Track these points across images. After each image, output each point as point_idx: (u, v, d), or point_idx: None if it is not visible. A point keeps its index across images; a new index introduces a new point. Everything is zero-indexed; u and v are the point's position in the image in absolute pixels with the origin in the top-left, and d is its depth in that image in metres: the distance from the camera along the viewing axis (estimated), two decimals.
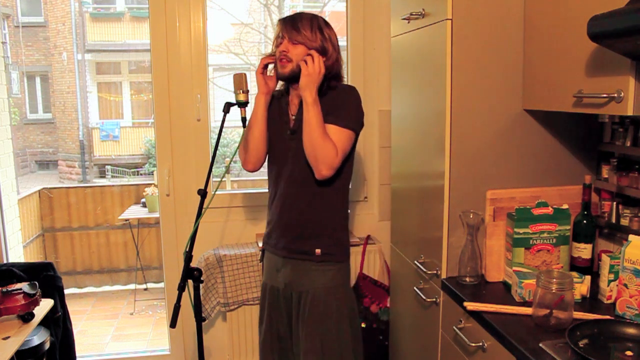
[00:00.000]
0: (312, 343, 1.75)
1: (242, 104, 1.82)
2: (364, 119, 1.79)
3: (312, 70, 1.66)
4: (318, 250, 1.76)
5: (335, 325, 1.75)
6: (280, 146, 1.81)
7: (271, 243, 1.86)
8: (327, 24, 1.77)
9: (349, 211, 1.87)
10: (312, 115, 1.65)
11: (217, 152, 1.85)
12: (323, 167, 1.66)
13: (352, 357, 1.79)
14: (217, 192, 2.04)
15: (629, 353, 1.25)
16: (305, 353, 1.77)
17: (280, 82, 1.84)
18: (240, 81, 1.81)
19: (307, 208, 1.77)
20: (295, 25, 1.72)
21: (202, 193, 1.78)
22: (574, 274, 1.57)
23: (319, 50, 1.71)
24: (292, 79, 1.75)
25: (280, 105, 1.85)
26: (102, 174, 11.27)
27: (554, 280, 1.38)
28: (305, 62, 1.67)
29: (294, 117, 1.81)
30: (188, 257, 1.75)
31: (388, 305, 2.52)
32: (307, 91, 1.66)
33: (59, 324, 2.41)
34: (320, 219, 1.77)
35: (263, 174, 2.01)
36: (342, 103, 1.73)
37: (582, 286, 1.54)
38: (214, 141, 1.92)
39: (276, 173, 1.84)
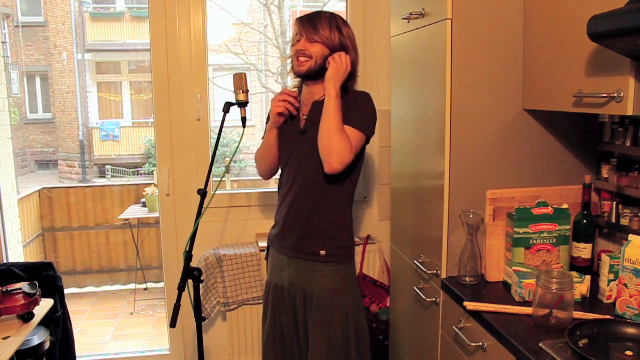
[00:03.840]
0: (318, 343, 1.75)
1: (242, 104, 1.82)
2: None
3: (341, 65, 1.68)
4: (323, 252, 1.76)
5: (340, 326, 1.76)
6: (290, 146, 1.82)
7: (277, 242, 1.86)
8: (345, 23, 1.77)
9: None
10: (333, 106, 1.66)
11: (217, 152, 1.85)
12: (336, 159, 1.65)
13: (358, 359, 1.79)
14: (217, 192, 2.04)
15: (629, 353, 1.25)
16: (311, 353, 1.77)
17: (287, 82, 1.83)
18: (240, 81, 1.81)
19: (314, 209, 1.77)
20: (313, 24, 1.72)
21: (202, 193, 1.78)
22: (574, 274, 1.57)
23: (337, 48, 1.72)
24: (308, 76, 1.75)
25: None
26: (102, 174, 11.28)
27: (554, 280, 1.38)
28: (334, 58, 1.68)
29: (305, 117, 1.80)
30: (188, 257, 1.75)
31: (388, 305, 2.52)
32: (332, 83, 1.67)
33: (59, 324, 2.41)
34: (326, 220, 1.78)
35: None
36: (357, 107, 1.75)
37: (582, 286, 1.54)
38: (214, 141, 1.92)
39: (287, 172, 1.84)
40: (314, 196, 1.76)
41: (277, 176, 1.99)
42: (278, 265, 1.86)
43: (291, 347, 1.87)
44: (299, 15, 1.82)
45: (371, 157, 2.79)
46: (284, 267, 1.83)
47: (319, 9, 1.81)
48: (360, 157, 1.79)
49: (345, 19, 1.80)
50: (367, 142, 1.79)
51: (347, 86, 1.76)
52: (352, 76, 1.77)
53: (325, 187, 1.75)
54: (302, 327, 1.82)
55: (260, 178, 1.99)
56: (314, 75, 1.74)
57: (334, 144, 1.65)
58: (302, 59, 1.72)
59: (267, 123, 1.92)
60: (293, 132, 1.81)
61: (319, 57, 1.71)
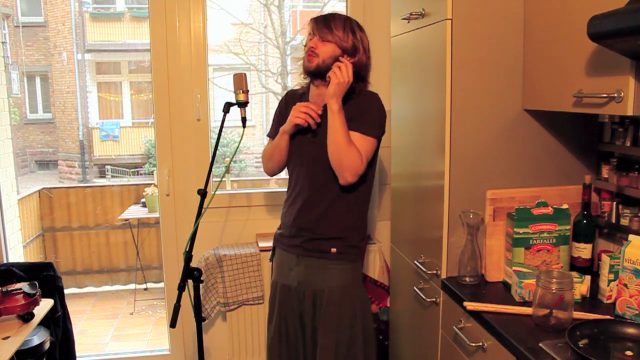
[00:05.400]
0: (327, 342, 1.75)
1: (242, 104, 1.82)
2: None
3: (342, 80, 1.67)
4: (334, 250, 1.77)
5: (348, 326, 1.75)
6: (302, 148, 1.80)
7: (284, 242, 1.85)
8: (360, 27, 1.77)
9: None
10: (337, 123, 1.66)
11: (217, 152, 1.85)
12: (348, 173, 1.67)
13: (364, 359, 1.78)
14: (217, 192, 2.04)
15: (629, 353, 1.25)
16: (319, 352, 1.76)
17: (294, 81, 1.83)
18: (240, 81, 1.81)
19: (326, 211, 1.76)
20: (327, 24, 1.72)
21: (202, 193, 1.78)
22: (574, 273, 1.57)
23: (349, 50, 1.71)
24: (316, 74, 1.75)
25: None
26: (102, 174, 11.27)
27: (554, 280, 1.38)
28: (334, 72, 1.67)
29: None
30: (188, 257, 1.75)
31: (388, 305, 2.52)
32: (333, 99, 1.67)
33: (59, 323, 2.41)
34: (337, 223, 1.77)
35: (262, 174, 2.01)
36: (365, 110, 1.74)
37: (582, 286, 1.54)
38: (214, 141, 1.92)
39: (296, 174, 1.83)
40: (325, 198, 1.76)
41: (278, 176, 1.99)
42: (285, 265, 1.85)
43: (296, 348, 1.86)
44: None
45: None
46: (292, 266, 1.82)
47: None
48: (373, 159, 1.79)
49: (359, 23, 1.79)
50: (379, 143, 1.79)
51: (356, 90, 1.74)
52: (362, 79, 1.76)
53: (335, 189, 1.74)
54: (309, 330, 1.81)
55: (260, 178, 2.00)
56: (321, 74, 1.73)
57: (344, 159, 1.66)
58: (311, 56, 1.72)
59: (274, 119, 1.93)
60: (304, 134, 1.80)
61: (327, 56, 1.71)
